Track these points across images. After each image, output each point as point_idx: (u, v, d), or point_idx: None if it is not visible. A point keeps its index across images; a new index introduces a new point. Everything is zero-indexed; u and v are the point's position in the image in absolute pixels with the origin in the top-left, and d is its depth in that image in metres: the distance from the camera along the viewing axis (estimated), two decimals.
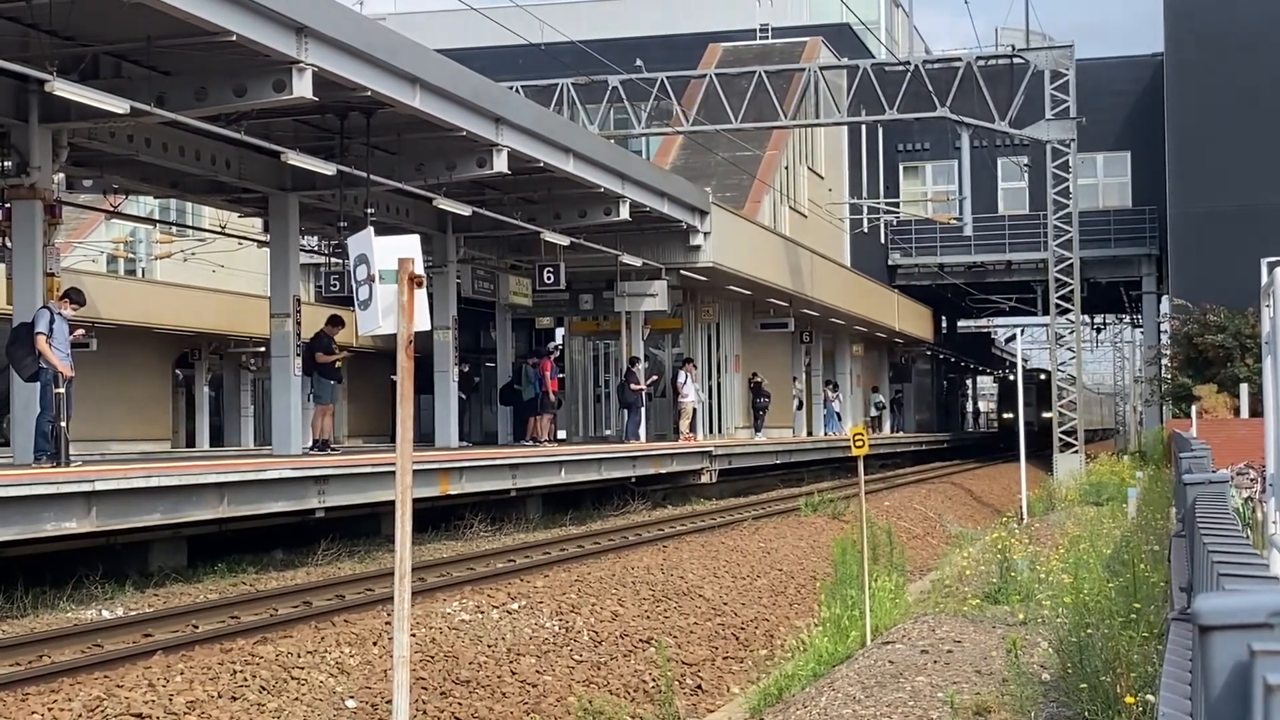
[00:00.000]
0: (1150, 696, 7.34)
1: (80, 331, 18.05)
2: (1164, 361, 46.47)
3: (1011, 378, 69.11)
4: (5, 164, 18.63)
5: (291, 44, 17.01)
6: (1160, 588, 11.01)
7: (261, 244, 28.20)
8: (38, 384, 16.88)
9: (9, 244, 18.39)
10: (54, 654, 11.91)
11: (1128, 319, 73.29)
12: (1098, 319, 74.00)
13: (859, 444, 14.33)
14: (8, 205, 18.33)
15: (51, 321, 16.61)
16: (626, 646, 14.11)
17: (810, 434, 46.17)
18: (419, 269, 6.61)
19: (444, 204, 23.77)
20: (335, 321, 23.56)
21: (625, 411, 33.13)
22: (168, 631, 13.12)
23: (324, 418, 23.32)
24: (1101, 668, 8.49)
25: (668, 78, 38.50)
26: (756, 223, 40.46)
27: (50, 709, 9.38)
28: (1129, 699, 7.59)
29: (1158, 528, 16.79)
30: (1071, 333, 39.61)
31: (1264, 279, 13.15)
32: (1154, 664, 8.05)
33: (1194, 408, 36.27)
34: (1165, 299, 51.17)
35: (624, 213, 28.44)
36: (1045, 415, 59.77)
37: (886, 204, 58.00)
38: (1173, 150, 46.67)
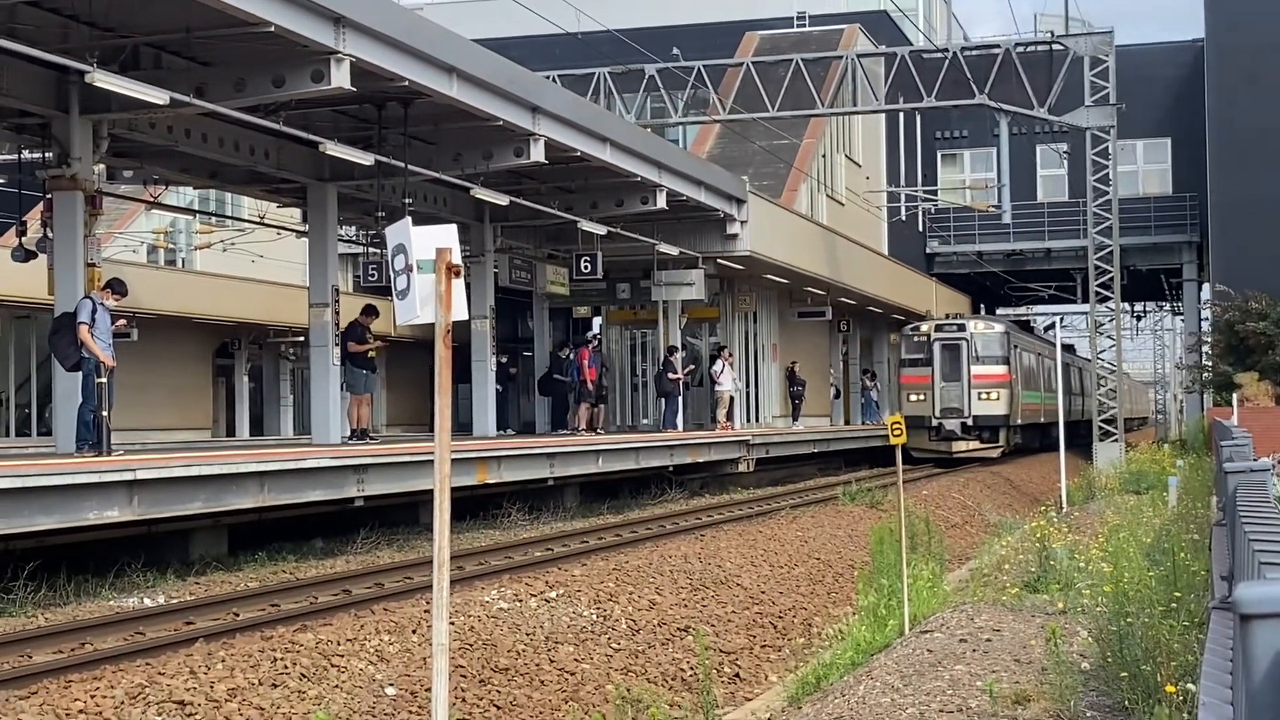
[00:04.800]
0: (1191, 685, 7.31)
1: (122, 322, 18.16)
2: (1205, 349, 46.24)
3: (923, 332, 41.94)
4: (46, 155, 18.77)
5: (329, 34, 17.07)
6: (1201, 577, 10.94)
7: (300, 234, 28.33)
8: (80, 374, 17.00)
9: (51, 235, 18.52)
10: (96, 642, 12.00)
11: (1168, 306, 72.94)
12: (1138, 306, 73.62)
13: (897, 433, 14.30)
14: (49, 196, 18.46)
15: (94, 312, 16.73)
16: (664, 635, 14.12)
17: (848, 423, 46.08)
18: (456, 259, 6.63)
19: (481, 193, 23.82)
20: (369, 311, 23.61)
21: (662, 400, 33.14)
22: (209, 619, 13.19)
23: (361, 407, 23.39)
24: (1142, 656, 8.46)
25: (704, 66, 38.44)
26: (794, 211, 40.39)
27: (93, 696, 9.45)
28: (1169, 688, 7.55)
29: (1198, 516, 16.68)
30: (1111, 320, 39.38)
31: None
32: (1195, 653, 8.01)
33: (1235, 395, 36.07)
34: (1206, 286, 50.88)
35: (661, 202, 28.43)
36: (989, 399, 40.75)
37: (924, 192, 57.83)
38: (1214, 136, 46.38)
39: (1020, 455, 45.70)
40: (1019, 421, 43.09)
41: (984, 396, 40.80)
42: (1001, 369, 41.12)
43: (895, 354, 47.06)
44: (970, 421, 40.86)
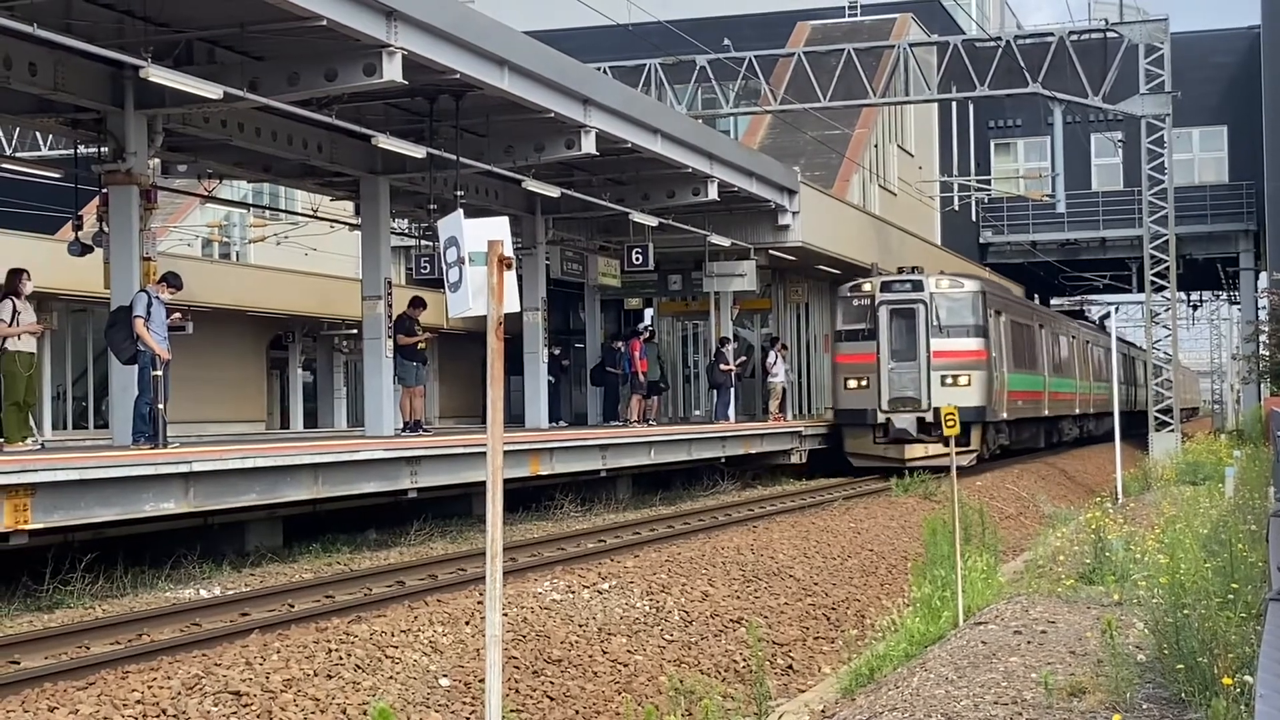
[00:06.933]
0: (1248, 677, 7.25)
1: (177, 315, 18.29)
2: (1262, 339, 45.79)
3: (865, 292, 31.90)
4: (102, 150, 18.93)
5: (381, 28, 17.14)
6: (1258, 568, 10.85)
7: (353, 227, 28.45)
8: (136, 367, 17.14)
9: (106, 229, 18.68)
10: (153, 633, 12.11)
11: (1225, 296, 72.29)
12: (1194, 296, 73.01)
13: (950, 424, 14.22)
14: (105, 191, 18.61)
15: (149, 305, 16.86)
16: (717, 626, 14.12)
17: None
18: (508, 251, 6.63)
19: (532, 186, 23.85)
20: (417, 303, 23.68)
21: (714, 392, 33.13)
22: (264, 610, 13.29)
23: (413, 399, 23.46)
24: (1198, 648, 8.39)
25: (756, 57, 38.35)
26: (846, 202, 40.24)
27: (150, 687, 9.53)
28: (1226, 680, 7.49)
29: (1256, 507, 16.55)
30: (1167, 310, 39.07)
31: None
32: (1252, 644, 7.95)
33: None
34: (1263, 275, 50.39)
35: (712, 193, 28.40)
36: (956, 384, 30.71)
37: (978, 181, 57.50)
38: (1271, 123, 45.88)
39: (1079, 445, 42.96)
40: (1004, 415, 33.39)
41: (949, 381, 30.80)
42: (974, 342, 31.30)
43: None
44: (930, 416, 30.04)
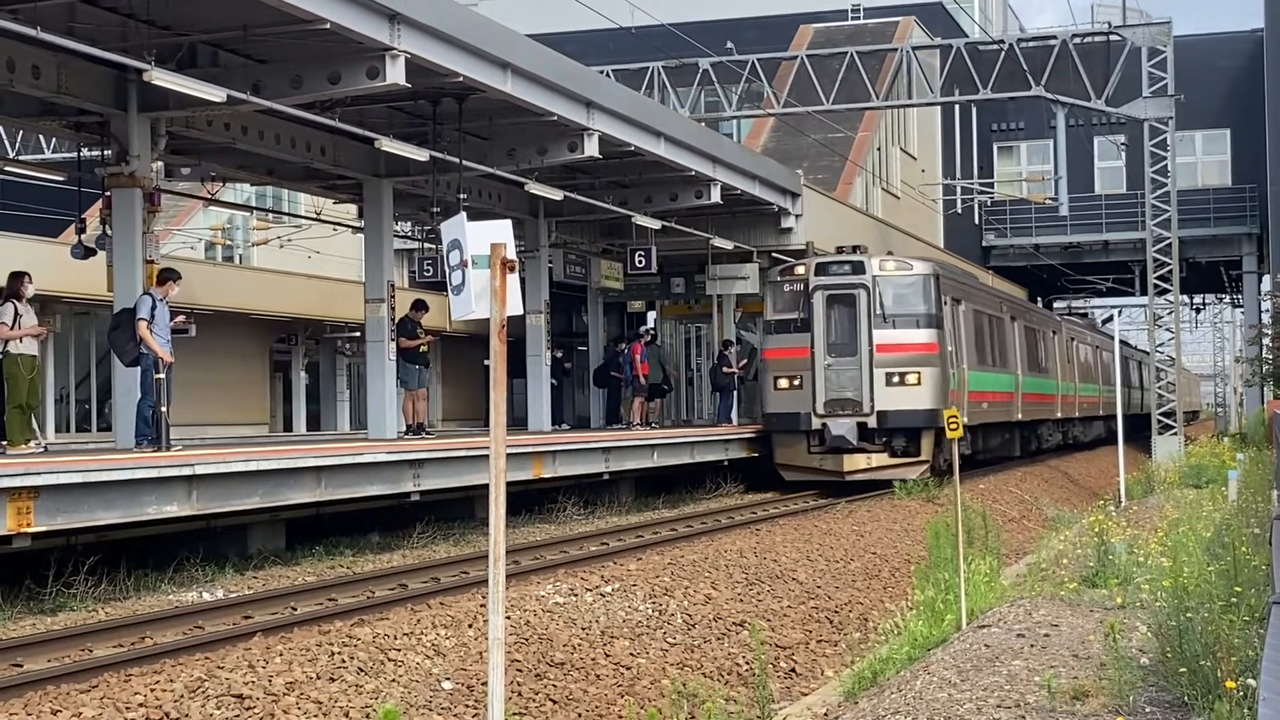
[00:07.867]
0: (1251, 680, 7.24)
1: (180, 318, 18.31)
2: (1265, 342, 45.77)
3: (798, 275, 27.62)
4: (105, 153, 18.94)
5: (384, 31, 17.15)
6: (1262, 571, 10.85)
7: (356, 230, 28.47)
8: (138, 369, 17.15)
9: (110, 232, 18.69)
10: (156, 635, 12.12)
11: (1228, 299, 72.25)
12: (1197, 299, 72.96)
13: (953, 426, 14.23)
14: (108, 194, 18.63)
15: (153, 308, 16.86)
16: (720, 629, 14.11)
17: None
18: (511, 254, 6.64)
19: (536, 189, 23.87)
20: (419, 306, 23.70)
21: (717, 395, 33.14)
22: (267, 613, 13.29)
23: (416, 402, 23.48)
24: (1201, 652, 8.39)
25: (759, 60, 38.35)
26: (848, 204, 40.26)
27: (153, 690, 9.53)
28: (1229, 683, 7.49)
29: (1259, 510, 16.55)
30: (1170, 313, 39.04)
31: None
32: (1255, 648, 7.95)
33: None
34: (1266, 278, 50.37)
35: (715, 196, 28.40)
36: (904, 383, 26.71)
37: (980, 184, 57.49)
38: (1274, 126, 45.86)
39: (1082, 448, 42.85)
40: (964, 420, 28.13)
41: (896, 380, 26.64)
42: (925, 334, 27.06)
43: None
44: (873, 422, 26.62)
